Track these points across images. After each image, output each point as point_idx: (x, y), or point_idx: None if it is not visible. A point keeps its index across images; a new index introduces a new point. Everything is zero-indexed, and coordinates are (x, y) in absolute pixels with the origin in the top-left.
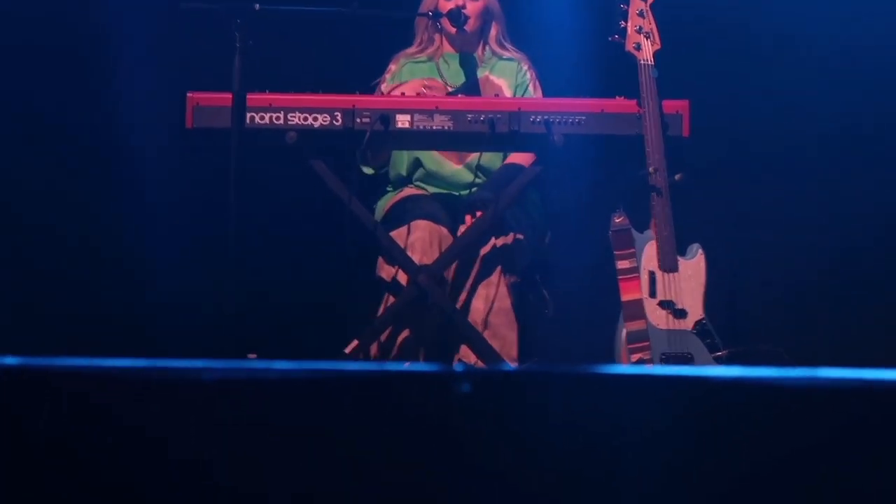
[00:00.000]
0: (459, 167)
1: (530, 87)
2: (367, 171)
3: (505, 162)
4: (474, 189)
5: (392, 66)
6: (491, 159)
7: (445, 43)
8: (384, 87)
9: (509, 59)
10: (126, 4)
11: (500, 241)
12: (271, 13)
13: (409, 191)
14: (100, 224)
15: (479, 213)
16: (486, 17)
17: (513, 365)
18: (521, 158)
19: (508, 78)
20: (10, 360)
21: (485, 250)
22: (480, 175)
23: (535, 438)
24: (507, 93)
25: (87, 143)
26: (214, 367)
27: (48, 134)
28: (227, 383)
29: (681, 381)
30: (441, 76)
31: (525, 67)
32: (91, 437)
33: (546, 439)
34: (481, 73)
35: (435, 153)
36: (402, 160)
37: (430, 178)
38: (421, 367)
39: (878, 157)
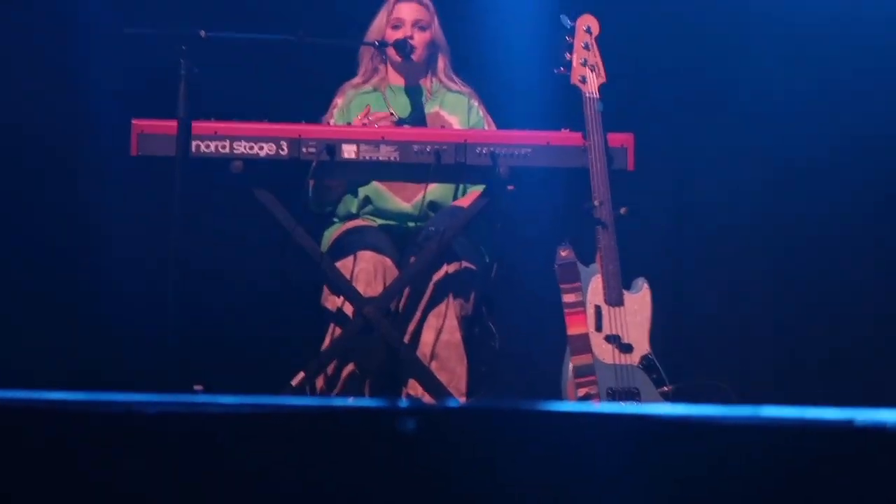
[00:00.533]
0: (407, 205)
1: (484, 125)
2: (317, 209)
3: (452, 204)
4: (420, 224)
5: (338, 100)
6: (440, 195)
7: (392, 73)
8: (331, 122)
9: (458, 93)
10: (72, 30)
11: (451, 268)
12: (217, 40)
13: (355, 221)
14: (42, 251)
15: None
16: (432, 48)
17: (461, 399)
18: (466, 202)
19: (460, 114)
20: None
21: (437, 276)
22: (428, 212)
23: (481, 476)
24: (459, 129)
25: (31, 167)
26: (157, 401)
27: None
28: (170, 417)
29: (627, 419)
30: (388, 107)
31: (475, 103)
32: (29, 473)
33: (492, 477)
34: (431, 108)
35: (383, 190)
36: (350, 198)
37: (378, 212)
38: (365, 402)
39: (823, 190)
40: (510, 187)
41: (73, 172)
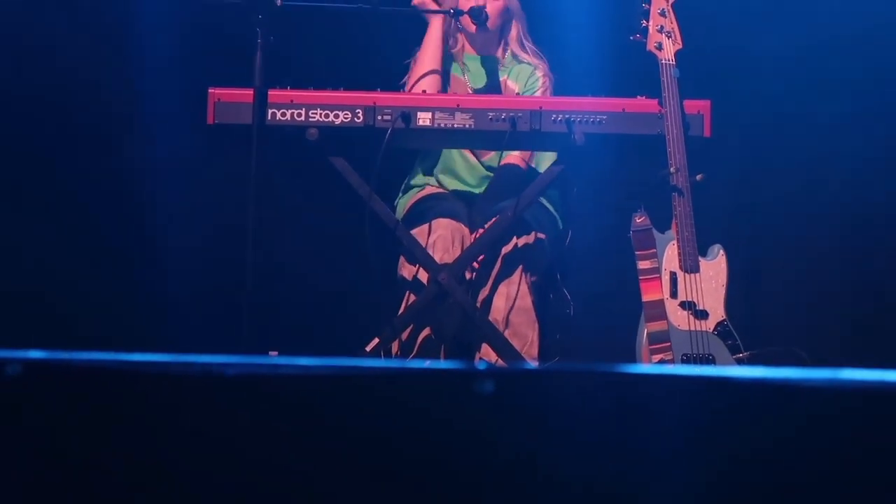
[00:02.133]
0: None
1: (538, 93)
2: None
3: (501, 162)
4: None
5: (411, 67)
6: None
7: (466, 43)
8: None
9: (527, 64)
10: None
11: (521, 241)
12: (293, 8)
13: (429, 189)
14: (123, 219)
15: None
16: (506, 16)
17: (534, 364)
18: (515, 158)
19: (521, 82)
20: (35, 354)
21: (506, 249)
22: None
23: (559, 438)
24: (533, 97)
25: (110, 137)
26: (237, 363)
27: (71, 126)
28: (249, 378)
29: (703, 381)
30: (463, 76)
31: (539, 74)
32: (116, 432)
33: (569, 439)
34: (501, 76)
35: (456, 155)
36: (422, 165)
37: (452, 176)
38: (442, 364)
39: None
40: (699, 177)
41: (150, 141)
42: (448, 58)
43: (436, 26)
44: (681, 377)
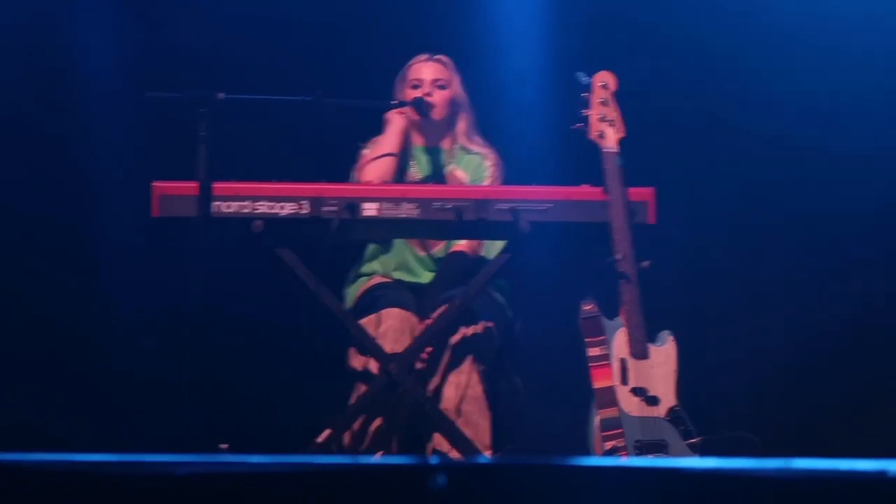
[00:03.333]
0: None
1: (486, 182)
2: None
3: (450, 251)
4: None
5: (366, 152)
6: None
7: (415, 134)
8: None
9: (476, 154)
10: (92, 93)
11: (470, 330)
12: (235, 102)
13: (377, 278)
14: (66, 315)
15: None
16: (453, 107)
17: (487, 453)
18: (463, 246)
19: (469, 171)
20: None
21: (454, 339)
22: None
23: None
24: (479, 185)
25: (52, 230)
26: (188, 461)
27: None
28: (201, 477)
29: (657, 472)
30: (411, 167)
31: (488, 163)
32: None
33: None
34: (448, 168)
35: (403, 245)
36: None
37: (399, 266)
38: (397, 459)
39: (847, 243)
40: (645, 263)
41: (93, 235)
42: (406, 152)
43: (395, 128)
44: (635, 469)
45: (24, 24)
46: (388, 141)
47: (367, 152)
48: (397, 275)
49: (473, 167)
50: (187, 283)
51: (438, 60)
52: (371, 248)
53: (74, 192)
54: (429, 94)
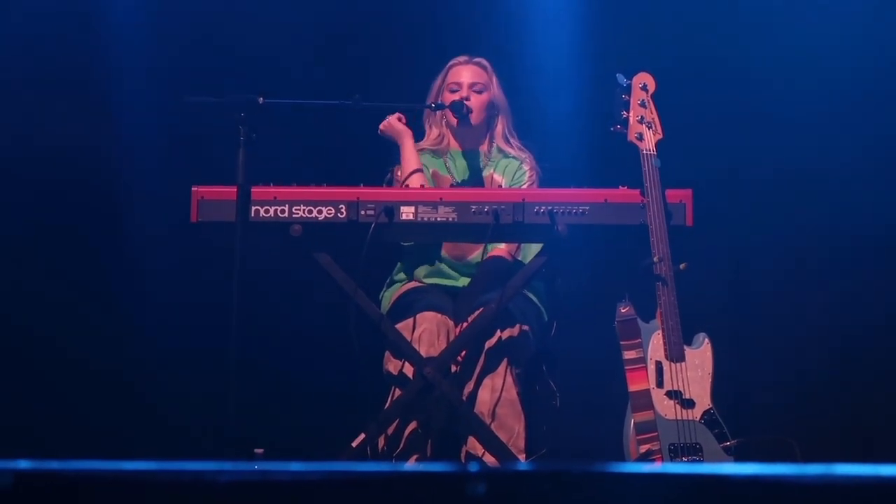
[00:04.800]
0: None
1: (525, 187)
2: None
3: (488, 255)
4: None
5: (398, 174)
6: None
7: (451, 138)
8: (399, 174)
9: (514, 158)
10: (133, 99)
11: (505, 334)
12: (275, 106)
13: (413, 283)
14: (107, 318)
15: (482, 309)
16: (491, 110)
17: (521, 457)
18: (501, 251)
19: (507, 176)
20: (23, 464)
21: (490, 342)
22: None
23: None
24: (515, 188)
25: (91, 234)
26: (228, 469)
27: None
28: (241, 485)
29: (695, 479)
30: (448, 172)
31: (526, 167)
32: None
33: None
34: (486, 171)
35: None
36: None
37: (435, 271)
38: (435, 467)
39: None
40: (682, 266)
41: (133, 239)
42: (431, 157)
43: (408, 146)
44: (672, 476)
45: (62, 27)
46: (409, 160)
47: (399, 174)
48: (430, 281)
49: (511, 171)
50: (226, 287)
51: (477, 63)
52: (407, 254)
53: (115, 196)
54: (467, 98)
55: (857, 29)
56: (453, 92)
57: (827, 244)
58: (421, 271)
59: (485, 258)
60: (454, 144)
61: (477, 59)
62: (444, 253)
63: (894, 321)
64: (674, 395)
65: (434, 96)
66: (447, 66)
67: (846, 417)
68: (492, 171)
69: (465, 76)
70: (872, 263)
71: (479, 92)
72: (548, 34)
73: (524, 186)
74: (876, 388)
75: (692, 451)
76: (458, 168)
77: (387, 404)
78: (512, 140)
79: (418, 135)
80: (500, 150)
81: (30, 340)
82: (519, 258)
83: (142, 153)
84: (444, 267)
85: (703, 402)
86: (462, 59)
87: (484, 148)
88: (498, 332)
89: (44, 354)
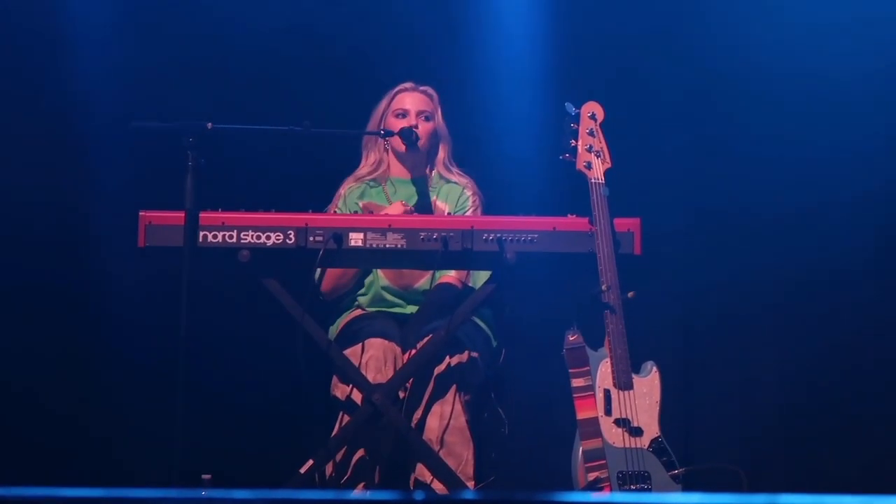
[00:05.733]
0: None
1: (469, 212)
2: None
3: (437, 282)
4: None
5: (341, 191)
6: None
7: (393, 164)
8: (335, 212)
9: (454, 183)
10: (79, 121)
11: (454, 360)
12: (223, 132)
13: (361, 310)
14: (52, 344)
15: (430, 335)
16: (434, 138)
17: (470, 484)
18: (451, 278)
19: (451, 202)
20: None
21: (439, 368)
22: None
23: None
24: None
25: (39, 259)
26: (175, 497)
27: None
28: None
29: None
30: (387, 200)
31: (468, 193)
32: None
33: None
34: (430, 197)
35: (382, 276)
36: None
37: (379, 300)
38: (382, 495)
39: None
40: (630, 294)
41: (80, 264)
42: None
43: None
44: None
45: (18, 45)
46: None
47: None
48: (374, 308)
49: (455, 197)
50: (174, 312)
51: (424, 92)
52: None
53: (63, 220)
54: (415, 126)
55: (808, 49)
56: (399, 117)
57: (777, 272)
58: (364, 300)
59: (434, 285)
60: (396, 171)
61: (423, 87)
62: (386, 282)
63: (842, 350)
64: (622, 422)
65: (377, 121)
66: (392, 92)
67: (793, 446)
68: (434, 197)
69: (412, 103)
70: (823, 292)
71: (427, 119)
72: (497, 62)
73: (468, 212)
74: (822, 417)
75: (640, 479)
76: (399, 195)
77: (334, 430)
78: (452, 168)
79: (356, 162)
80: (441, 177)
81: None
82: (470, 284)
83: (90, 177)
84: (386, 295)
85: (652, 429)
86: (408, 85)
87: (426, 174)
88: (447, 359)
89: None
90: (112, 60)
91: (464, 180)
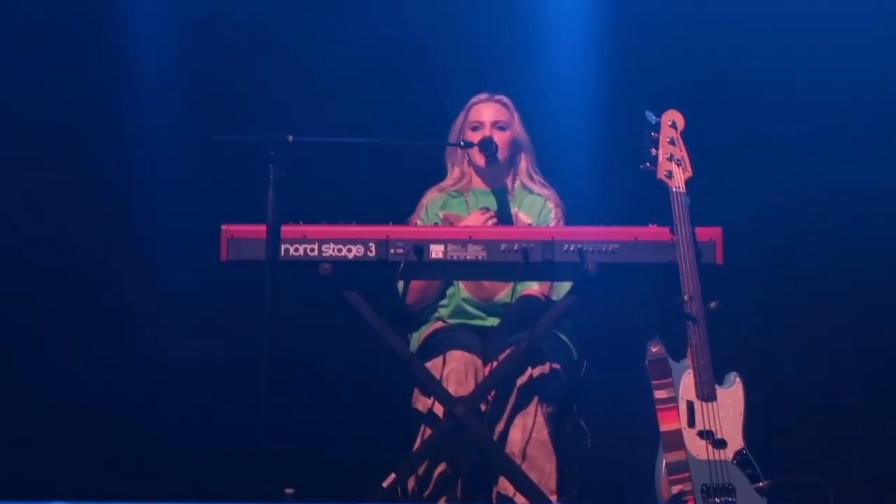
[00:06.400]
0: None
1: (551, 224)
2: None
3: (519, 294)
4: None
5: (423, 202)
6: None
7: (474, 176)
8: (417, 223)
9: (538, 195)
10: (162, 137)
11: (536, 371)
12: (305, 144)
13: (442, 322)
14: (135, 361)
15: (512, 348)
16: (513, 148)
17: (553, 498)
18: (534, 291)
19: (533, 214)
20: None
21: (521, 380)
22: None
23: None
24: (544, 227)
25: (122, 272)
26: None
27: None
28: None
29: None
30: (469, 211)
31: (551, 205)
32: None
33: None
34: (511, 209)
35: (464, 289)
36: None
37: (461, 311)
38: None
39: None
40: (713, 304)
41: (163, 277)
42: (451, 198)
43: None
44: None
45: (91, 64)
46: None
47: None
48: (455, 321)
49: (537, 209)
50: (257, 326)
51: (499, 101)
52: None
53: (145, 235)
54: (491, 136)
55: (874, 50)
56: (475, 130)
57: (859, 278)
58: (445, 312)
59: (517, 297)
60: (476, 183)
61: (498, 97)
62: (467, 294)
63: None
64: (705, 434)
65: (456, 135)
66: (468, 105)
67: (880, 458)
68: (516, 208)
69: (487, 114)
70: None
71: (502, 129)
72: (574, 71)
73: (551, 224)
74: None
75: (725, 492)
76: (481, 206)
77: (416, 443)
78: (535, 177)
79: (441, 174)
80: (523, 187)
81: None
82: (553, 298)
83: (172, 191)
84: (467, 307)
85: (736, 441)
86: (483, 96)
87: (508, 185)
88: (529, 371)
89: (63, 398)
90: (193, 72)
91: (546, 192)
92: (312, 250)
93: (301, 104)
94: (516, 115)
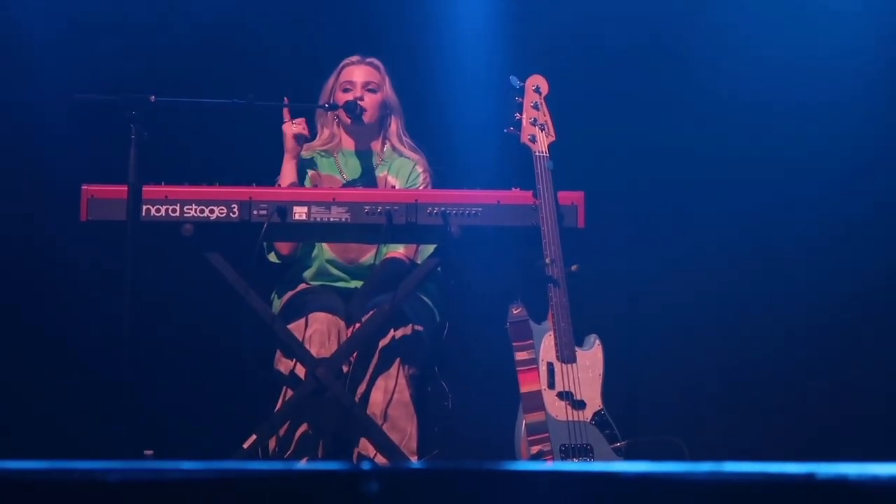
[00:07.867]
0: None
1: (420, 188)
2: (273, 259)
3: (384, 257)
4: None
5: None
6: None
7: (344, 137)
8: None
9: (407, 159)
10: (21, 94)
11: (398, 333)
12: (167, 105)
13: (305, 284)
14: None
15: (374, 310)
16: (384, 110)
17: (413, 458)
18: (398, 253)
19: (401, 178)
20: None
21: (383, 342)
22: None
23: None
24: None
25: None
26: (119, 468)
27: None
28: (132, 484)
29: (587, 476)
30: (339, 171)
31: (420, 169)
32: None
33: None
34: (381, 171)
35: (328, 250)
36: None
37: (325, 273)
38: (328, 465)
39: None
40: (574, 267)
41: (23, 237)
42: (321, 157)
43: (287, 163)
44: (564, 474)
45: None
46: (287, 173)
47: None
48: (318, 282)
49: (406, 173)
50: (118, 285)
51: (370, 63)
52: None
53: (4, 193)
54: (360, 98)
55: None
56: (346, 91)
57: (719, 245)
58: (309, 273)
59: (381, 259)
60: (347, 143)
61: (369, 59)
62: (332, 255)
63: (784, 322)
64: (565, 396)
65: (327, 96)
66: (340, 66)
67: (734, 418)
68: (385, 171)
69: (358, 75)
70: (764, 261)
71: (373, 91)
72: (442, 35)
73: (419, 188)
74: (763, 388)
75: (583, 452)
76: (350, 167)
77: (277, 405)
78: (405, 140)
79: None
80: (393, 150)
81: None
82: (418, 261)
83: (32, 150)
84: (331, 269)
85: (594, 403)
86: (354, 58)
87: (377, 147)
88: (391, 333)
89: None
90: (55, 32)
91: (416, 156)
92: (174, 211)
93: (164, 63)
94: (387, 78)
